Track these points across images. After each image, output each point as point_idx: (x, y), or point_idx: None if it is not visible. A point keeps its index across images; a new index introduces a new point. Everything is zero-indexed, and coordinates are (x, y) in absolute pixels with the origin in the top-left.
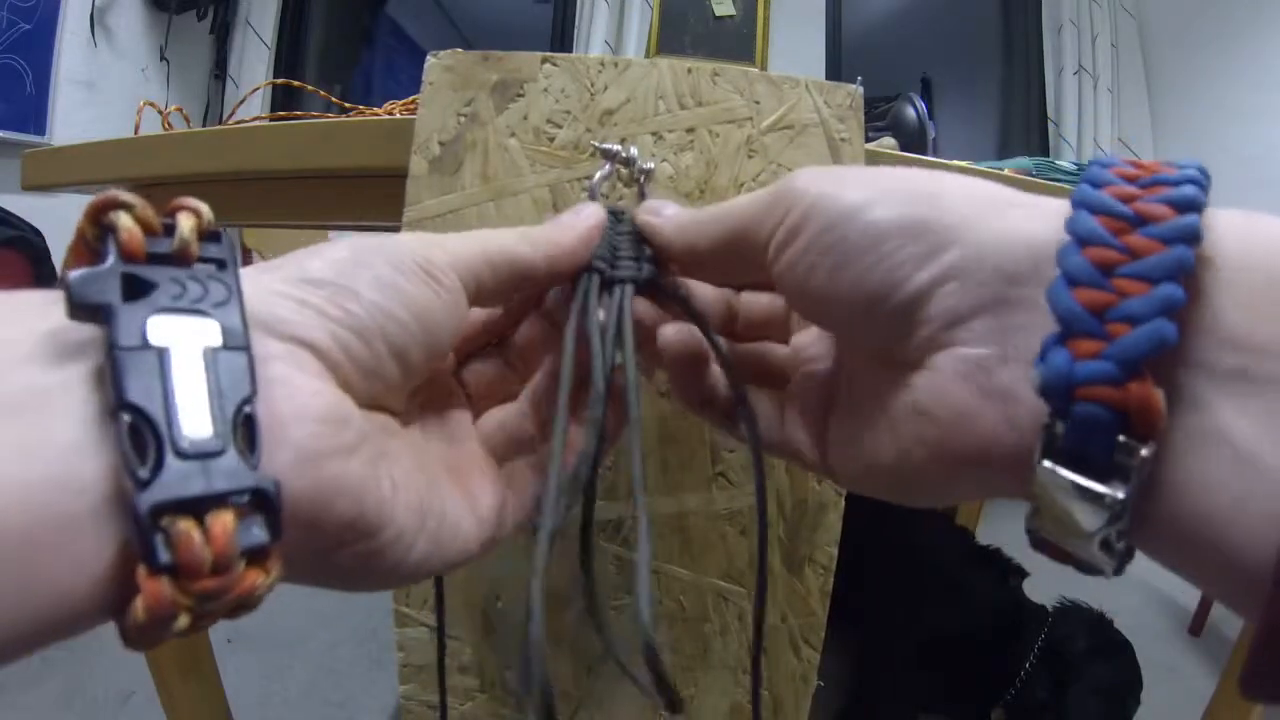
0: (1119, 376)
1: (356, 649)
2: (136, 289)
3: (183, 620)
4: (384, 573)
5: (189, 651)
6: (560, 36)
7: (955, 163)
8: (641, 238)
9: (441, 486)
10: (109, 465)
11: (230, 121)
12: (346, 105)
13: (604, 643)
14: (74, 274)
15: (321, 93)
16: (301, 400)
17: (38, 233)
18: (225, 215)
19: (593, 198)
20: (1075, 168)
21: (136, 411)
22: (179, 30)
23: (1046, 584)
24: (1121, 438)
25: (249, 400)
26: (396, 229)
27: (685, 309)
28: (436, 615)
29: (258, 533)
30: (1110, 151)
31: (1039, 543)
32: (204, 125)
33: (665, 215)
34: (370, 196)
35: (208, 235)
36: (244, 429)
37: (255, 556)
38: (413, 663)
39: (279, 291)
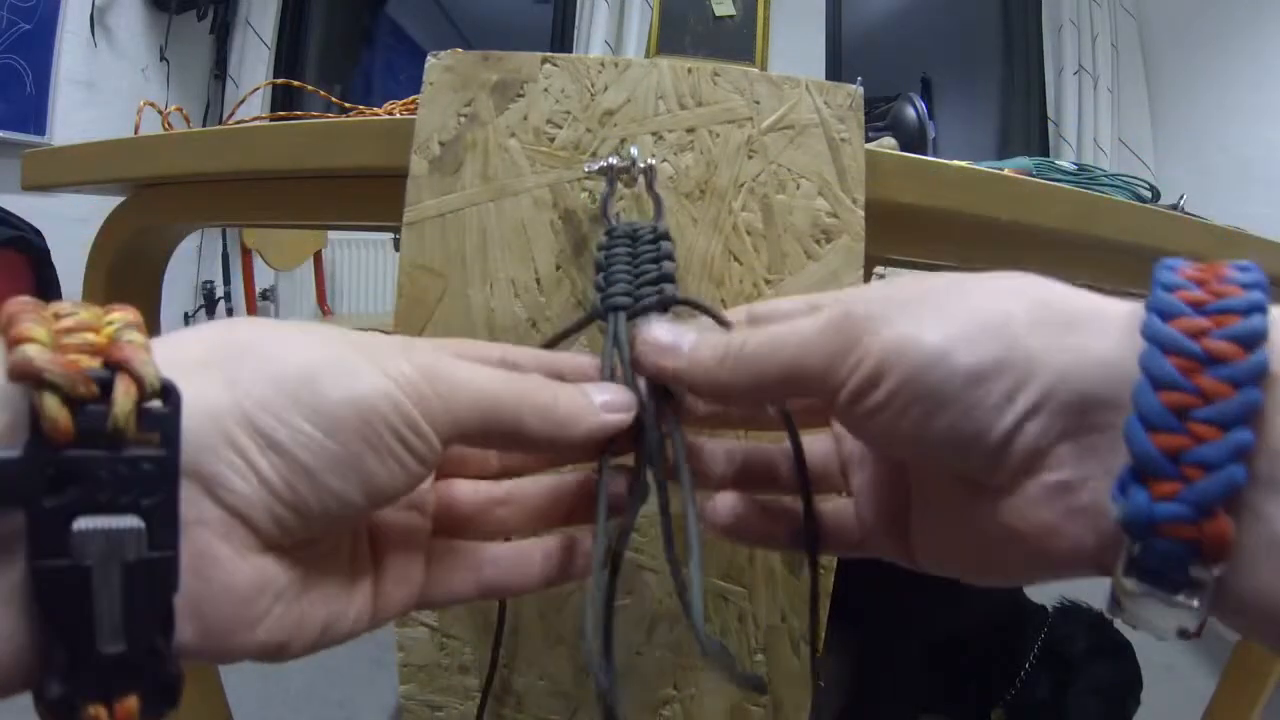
0: (1195, 518)
1: (356, 649)
2: (61, 479)
3: None
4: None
5: None
6: (560, 36)
7: (955, 163)
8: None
9: (355, 592)
10: (29, 641)
11: (230, 121)
12: (346, 105)
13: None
14: None
15: (321, 93)
16: (221, 582)
17: (38, 233)
18: (225, 215)
19: (604, 216)
20: (1075, 168)
21: (53, 621)
22: (179, 30)
23: (1046, 584)
24: (1194, 564)
25: (168, 602)
26: (397, 229)
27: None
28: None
29: (154, 709)
30: (1110, 151)
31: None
32: (204, 125)
33: (683, 355)
34: (370, 196)
35: (152, 394)
36: (160, 627)
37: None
38: (413, 662)
39: (227, 436)
